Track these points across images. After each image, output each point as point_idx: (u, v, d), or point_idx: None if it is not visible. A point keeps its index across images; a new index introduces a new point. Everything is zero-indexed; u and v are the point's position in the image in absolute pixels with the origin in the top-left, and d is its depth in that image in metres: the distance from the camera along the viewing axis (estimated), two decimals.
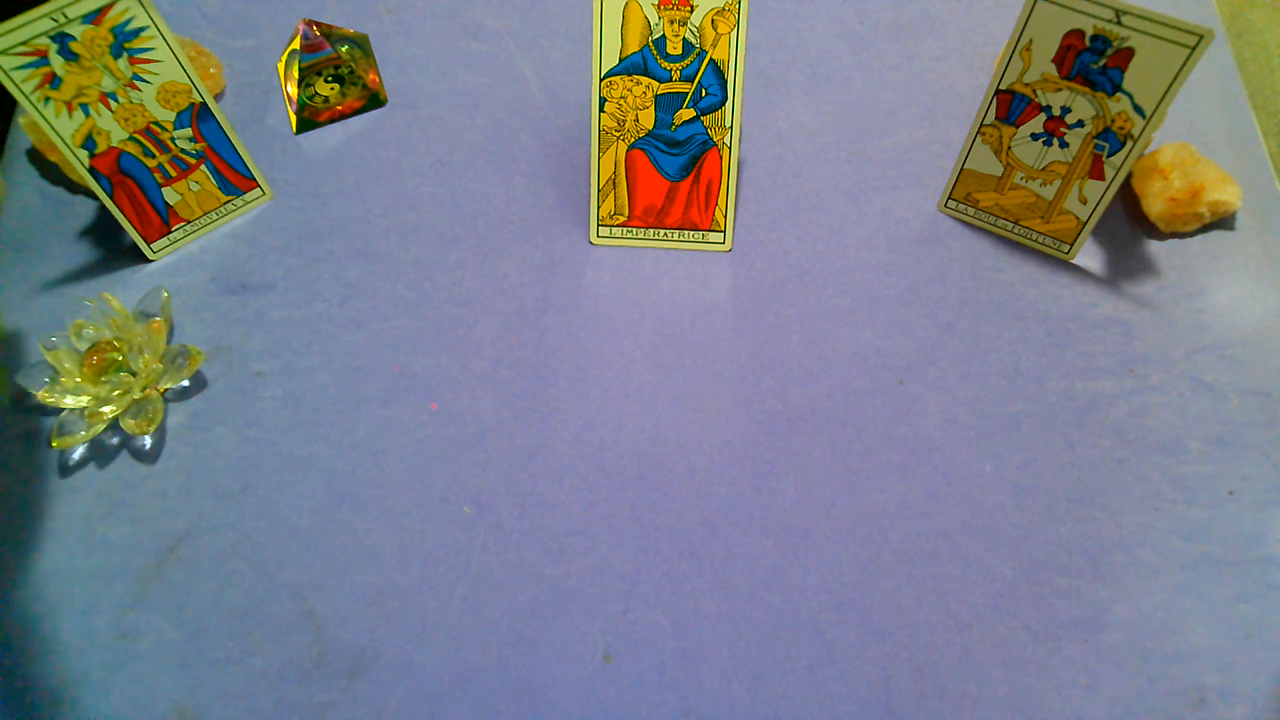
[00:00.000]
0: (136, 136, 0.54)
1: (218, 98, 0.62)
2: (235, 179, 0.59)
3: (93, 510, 0.51)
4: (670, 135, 0.56)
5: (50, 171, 0.60)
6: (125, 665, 0.47)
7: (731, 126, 0.55)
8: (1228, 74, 0.65)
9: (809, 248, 0.59)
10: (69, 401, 0.51)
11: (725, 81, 0.54)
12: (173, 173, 0.56)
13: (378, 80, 0.64)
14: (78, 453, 0.52)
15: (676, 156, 0.57)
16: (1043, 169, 0.56)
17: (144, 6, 0.51)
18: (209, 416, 0.53)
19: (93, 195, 0.58)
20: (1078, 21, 0.50)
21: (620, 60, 0.54)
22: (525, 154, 0.62)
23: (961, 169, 0.58)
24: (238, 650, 0.48)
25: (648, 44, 0.53)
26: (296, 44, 0.61)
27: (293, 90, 0.62)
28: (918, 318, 0.57)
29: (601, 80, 0.54)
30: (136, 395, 0.52)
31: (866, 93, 0.64)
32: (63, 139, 0.52)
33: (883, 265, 0.58)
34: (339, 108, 0.62)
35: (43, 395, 0.51)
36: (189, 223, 0.58)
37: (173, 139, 0.55)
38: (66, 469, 0.52)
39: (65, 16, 0.49)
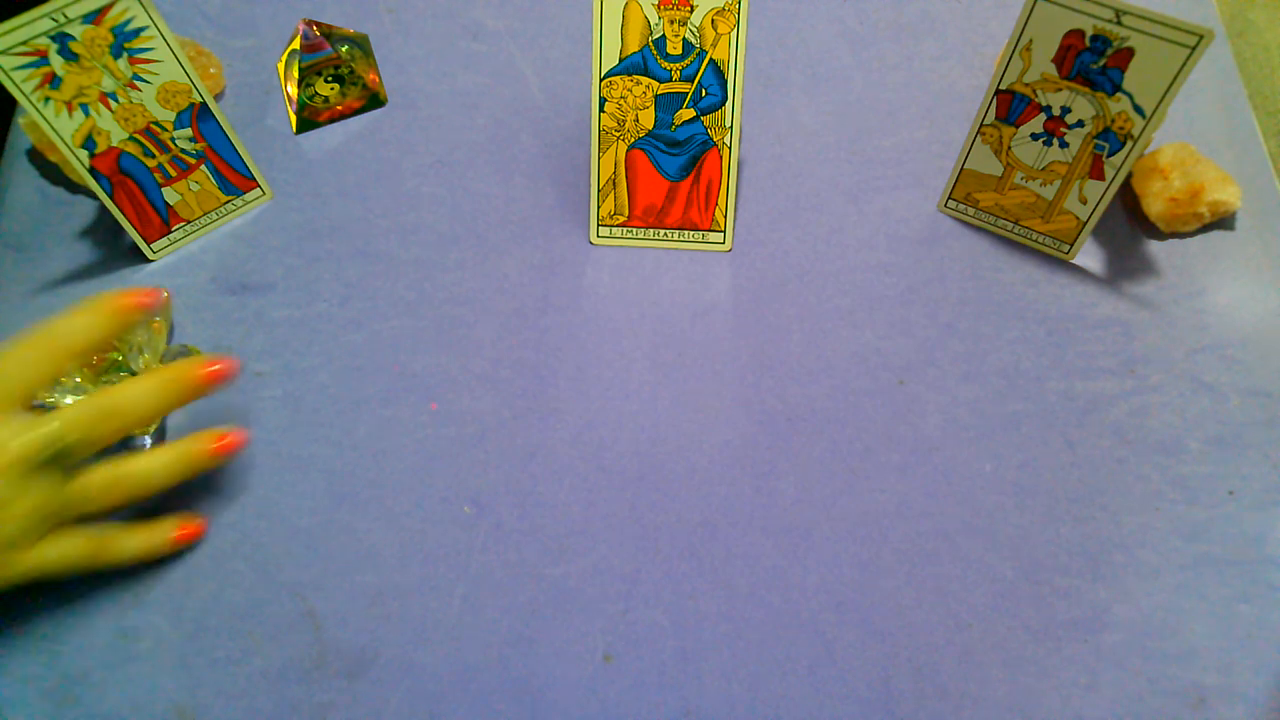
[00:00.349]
0: (136, 136, 0.54)
1: (218, 98, 0.62)
2: (235, 179, 0.59)
3: None
4: (670, 135, 0.56)
5: (50, 171, 0.60)
6: (125, 665, 0.47)
7: (731, 126, 0.55)
8: (1228, 74, 0.65)
9: (809, 248, 0.59)
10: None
11: (725, 81, 0.54)
12: (173, 173, 0.56)
13: (378, 80, 0.64)
14: None
15: (676, 156, 0.57)
16: (1043, 169, 0.56)
17: (144, 6, 0.51)
18: (209, 416, 0.53)
19: (93, 195, 0.58)
20: (1078, 21, 0.50)
21: (620, 60, 0.54)
22: (525, 154, 0.62)
23: (961, 169, 0.58)
24: (238, 650, 0.48)
25: (648, 44, 0.53)
26: (296, 44, 0.61)
27: (293, 90, 0.62)
28: (918, 318, 0.57)
29: (601, 80, 0.54)
30: None
31: (866, 93, 0.64)
32: (63, 139, 0.52)
33: (883, 265, 0.58)
34: (339, 108, 0.62)
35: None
36: (189, 223, 0.58)
37: (173, 139, 0.55)
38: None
39: (65, 16, 0.49)
